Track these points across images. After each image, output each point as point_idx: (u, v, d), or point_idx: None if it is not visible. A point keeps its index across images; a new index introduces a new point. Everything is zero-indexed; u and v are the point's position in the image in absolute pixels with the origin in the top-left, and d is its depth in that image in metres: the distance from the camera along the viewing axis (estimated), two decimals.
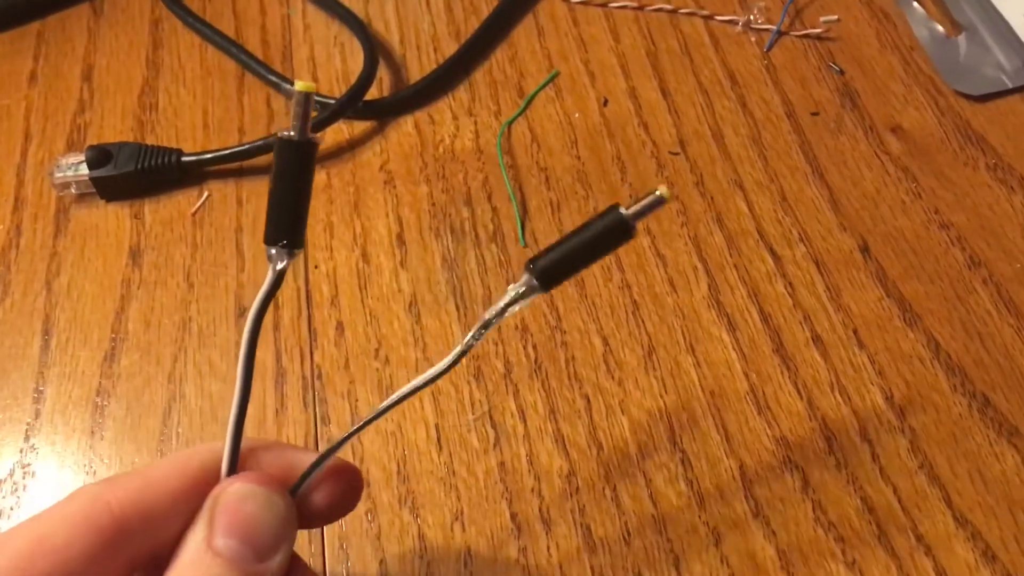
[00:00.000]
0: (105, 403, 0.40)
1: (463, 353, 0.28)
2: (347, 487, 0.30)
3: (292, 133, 0.26)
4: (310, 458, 0.29)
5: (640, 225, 0.43)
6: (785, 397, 0.38)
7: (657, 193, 0.26)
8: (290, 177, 0.27)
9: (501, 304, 0.27)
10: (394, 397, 0.28)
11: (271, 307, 0.42)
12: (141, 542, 0.27)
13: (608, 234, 0.27)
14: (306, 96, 0.26)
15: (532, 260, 0.27)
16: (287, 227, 0.27)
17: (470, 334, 0.28)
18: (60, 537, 0.26)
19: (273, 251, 0.27)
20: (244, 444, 0.29)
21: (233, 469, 0.28)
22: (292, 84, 0.49)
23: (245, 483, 0.27)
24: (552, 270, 0.27)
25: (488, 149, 0.47)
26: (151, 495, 0.27)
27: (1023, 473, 0.35)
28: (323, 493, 0.29)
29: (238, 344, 0.41)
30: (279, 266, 0.27)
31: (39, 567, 0.25)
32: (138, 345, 0.42)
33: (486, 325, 0.27)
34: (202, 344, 0.42)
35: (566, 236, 0.27)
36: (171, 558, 0.27)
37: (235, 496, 0.27)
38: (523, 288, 0.27)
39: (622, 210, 0.26)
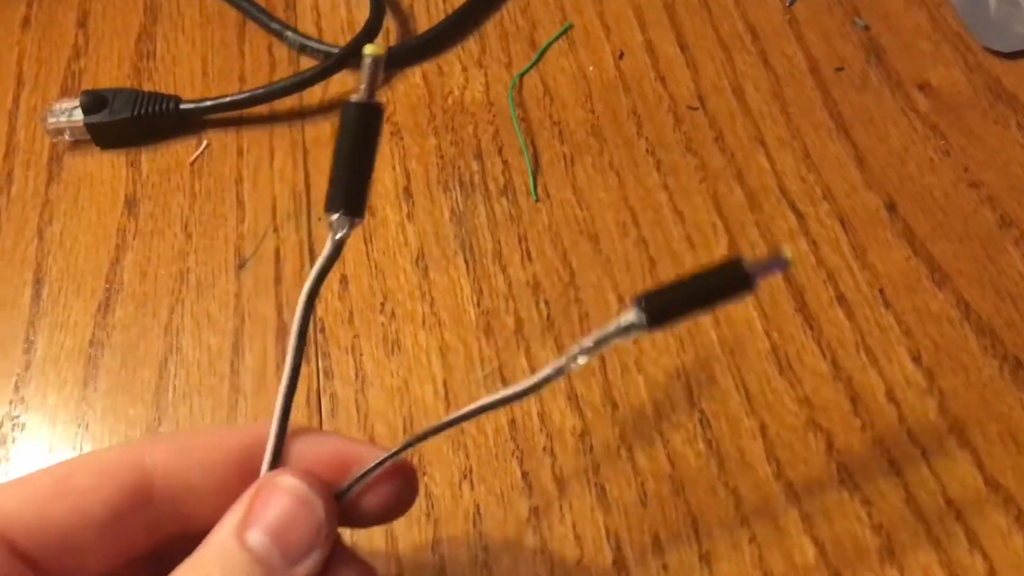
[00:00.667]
0: (99, 354, 0.38)
1: (552, 378, 0.25)
2: (403, 488, 0.27)
3: (360, 96, 0.25)
4: (359, 449, 0.27)
5: (657, 181, 0.42)
6: (808, 357, 0.36)
7: (783, 255, 0.24)
8: (356, 142, 0.26)
9: (604, 333, 0.25)
10: (471, 408, 0.26)
11: (273, 259, 0.41)
12: (167, 511, 0.26)
13: (727, 286, 0.24)
14: (375, 60, 0.25)
15: (643, 296, 0.24)
16: (350, 194, 0.26)
17: (567, 358, 0.25)
18: (85, 480, 0.25)
19: (334, 219, 0.26)
20: (290, 429, 0.27)
21: (277, 457, 0.26)
22: (295, 32, 0.48)
23: (291, 478, 0.25)
24: (662, 310, 0.24)
25: (499, 101, 0.45)
26: (187, 461, 0.26)
27: None
28: (377, 495, 0.27)
29: (237, 296, 0.40)
30: (339, 235, 0.26)
31: (58, 507, 0.24)
32: (133, 296, 0.40)
33: (585, 352, 0.25)
34: (200, 296, 0.40)
35: (682, 279, 0.25)
36: (199, 544, 0.26)
37: (276, 490, 0.25)
38: (631, 322, 0.24)
39: (745, 264, 0.24)
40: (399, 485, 0.27)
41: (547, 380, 0.25)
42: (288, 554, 0.25)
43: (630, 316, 0.24)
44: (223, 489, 0.26)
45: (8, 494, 0.25)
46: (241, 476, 0.26)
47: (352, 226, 0.26)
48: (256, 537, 0.24)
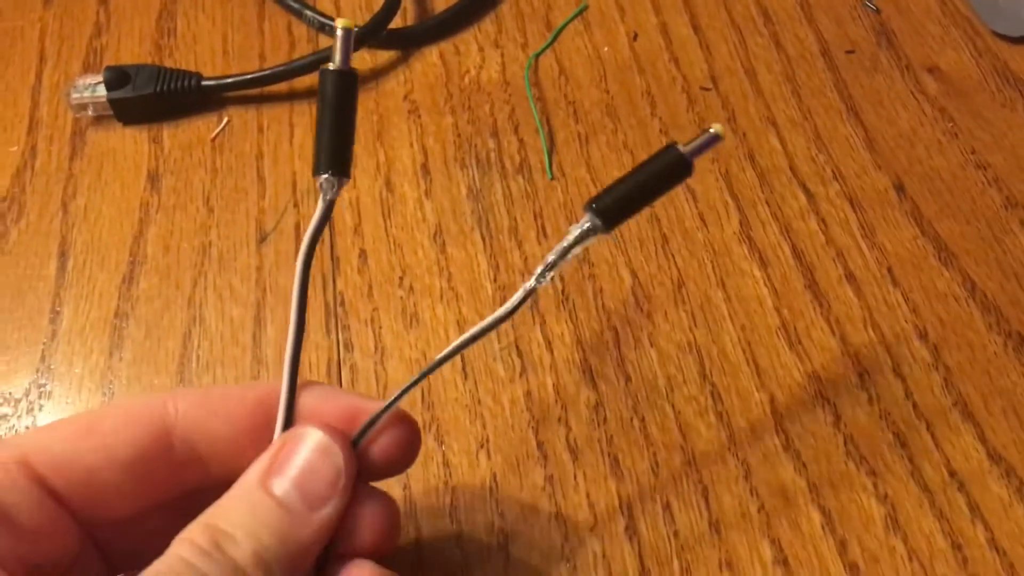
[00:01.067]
0: (124, 325, 0.39)
1: (527, 296, 0.27)
2: (406, 440, 0.29)
3: (334, 64, 0.27)
4: (369, 404, 0.29)
5: None
6: (817, 333, 0.37)
7: (712, 130, 0.27)
8: (333, 107, 0.28)
9: (564, 244, 0.27)
10: (455, 344, 0.28)
11: (293, 234, 0.42)
12: (187, 458, 0.27)
13: (667, 172, 0.27)
14: (346, 32, 0.27)
15: (593, 200, 0.27)
16: (333, 157, 0.28)
17: (534, 277, 0.27)
18: (111, 423, 0.26)
19: (322, 181, 0.28)
20: (300, 385, 0.28)
21: (290, 410, 0.28)
22: (313, 11, 0.48)
23: (314, 429, 0.27)
24: (614, 209, 0.27)
25: (515, 81, 0.46)
26: (207, 412, 0.28)
27: None
28: (381, 446, 0.29)
29: (259, 269, 0.40)
30: (329, 196, 0.28)
31: (86, 446, 0.26)
32: (157, 268, 0.41)
33: (550, 267, 0.27)
34: (222, 269, 0.41)
35: (625, 175, 0.27)
36: (215, 496, 0.27)
37: (297, 440, 0.27)
38: (586, 226, 0.27)
39: (680, 147, 0.27)
40: (403, 434, 0.29)
41: (523, 299, 0.27)
42: (309, 501, 0.26)
43: (586, 222, 0.27)
44: (240, 439, 0.28)
45: (39, 434, 0.26)
46: (257, 428, 0.28)
47: (340, 186, 0.28)
48: (280, 484, 0.26)
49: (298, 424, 0.28)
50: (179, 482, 0.28)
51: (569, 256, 0.27)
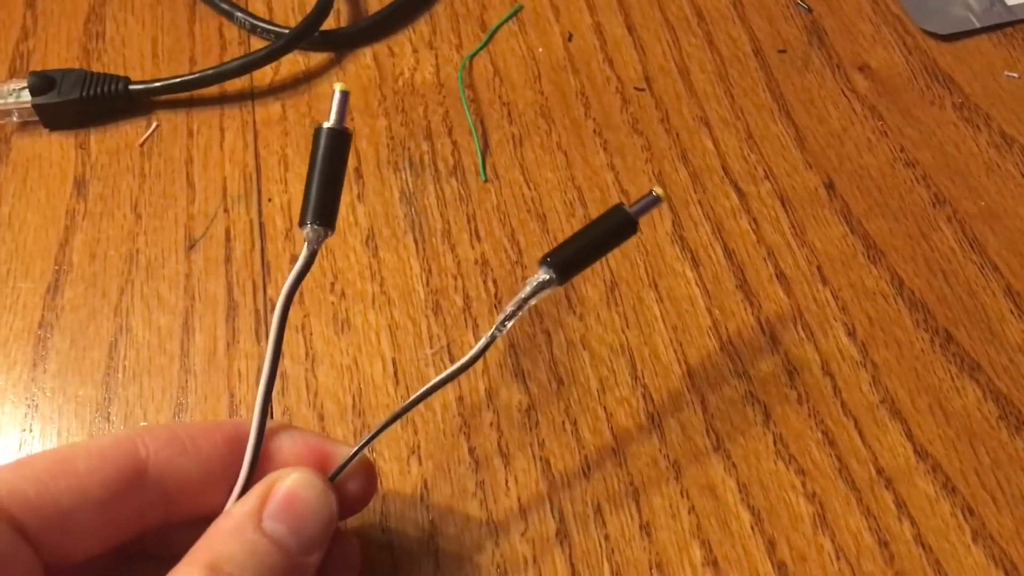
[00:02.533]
0: (48, 335, 0.39)
1: (487, 346, 0.30)
2: (370, 480, 0.30)
3: (330, 123, 0.29)
4: (334, 446, 0.29)
5: (603, 161, 0.42)
6: (748, 332, 0.37)
7: (654, 193, 0.31)
8: (325, 162, 0.29)
9: (521, 296, 0.30)
10: (421, 392, 0.30)
11: (223, 240, 0.41)
12: (155, 497, 0.27)
13: (615, 230, 0.31)
14: (343, 94, 0.30)
15: (548, 255, 0.30)
16: (322, 208, 0.29)
17: (494, 327, 0.30)
18: (83, 463, 0.26)
19: (308, 231, 0.29)
20: (268, 426, 0.29)
21: (258, 451, 0.28)
22: (245, 13, 0.48)
23: (305, 473, 0.27)
24: (567, 264, 0.30)
25: (449, 83, 0.46)
26: (179, 450, 0.27)
27: (984, 407, 0.35)
28: (353, 487, 0.29)
29: (187, 276, 0.40)
30: (313, 246, 0.29)
31: (59, 486, 0.25)
32: (83, 277, 0.40)
33: (509, 317, 0.30)
34: (150, 276, 0.40)
35: (576, 233, 0.31)
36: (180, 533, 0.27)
37: (294, 483, 0.27)
38: (543, 279, 0.30)
39: (627, 208, 0.31)
40: (367, 477, 0.30)
41: (483, 349, 0.29)
42: (305, 545, 0.26)
43: (542, 276, 0.30)
44: (209, 478, 0.27)
45: (11, 472, 0.26)
46: (226, 467, 0.28)
47: (324, 236, 0.29)
48: (277, 527, 0.26)
49: (275, 465, 0.28)
50: (143, 520, 0.27)
51: (526, 307, 0.30)
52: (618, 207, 0.31)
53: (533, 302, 0.30)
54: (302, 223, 0.29)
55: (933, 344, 0.37)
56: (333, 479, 0.29)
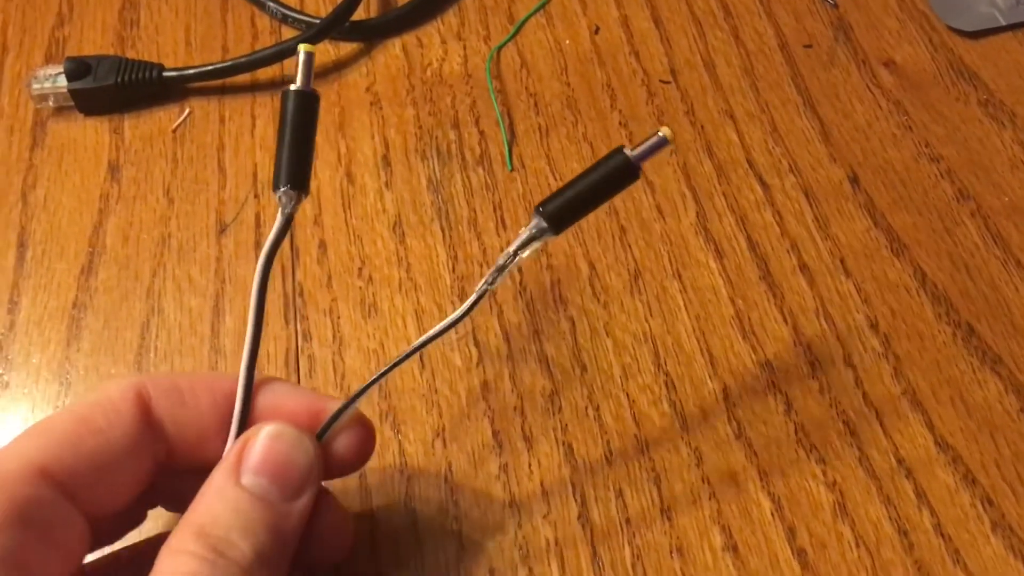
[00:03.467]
0: (82, 315, 0.39)
1: (479, 298, 0.29)
2: (363, 440, 0.30)
3: (296, 85, 0.29)
4: (327, 402, 0.29)
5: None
6: (770, 323, 0.38)
7: (660, 134, 0.28)
8: (294, 126, 0.29)
9: (513, 247, 0.29)
10: (413, 345, 0.29)
11: (253, 225, 0.42)
12: (161, 445, 0.28)
13: (614, 176, 0.28)
14: (308, 55, 0.29)
15: (541, 204, 0.28)
16: (293, 172, 0.29)
17: (484, 280, 0.29)
18: (102, 418, 0.27)
19: (281, 195, 0.29)
20: (259, 380, 0.29)
21: (246, 410, 0.29)
22: (276, 2, 0.48)
23: (280, 424, 0.28)
24: (561, 212, 0.28)
25: (476, 74, 0.46)
26: (178, 399, 0.28)
27: (1005, 400, 0.35)
28: (340, 445, 0.29)
29: (218, 260, 0.40)
30: (288, 210, 0.29)
31: (87, 446, 0.26)
32: (116, 259, 0.41)
33: (500, 269, 0.29)
34: (181, 260, 0.41)
35: (573, 180, 0.29)
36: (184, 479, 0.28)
37: (267, 435, 0.27)
38: (534, 231, 0.29)
39: (627, 151, 0.28)
40: (361, 434, 0.30)
41: (477, 300, 0.29)
42: (286, 492, 0.26)
43: (534, 225, 0.28)
44: (206, 430, 0.28)
45: (41, 437, 0.26)
46: (223, 420, 0.28)
47: (298, 200, 0.29)
48: (252, 480, 0.26)
49: (262, 421, 0.28)
50: (157, 467, 0.28)
51: (518, 259, 0.29)
52: (618, 150, 0.28)
53: (526, 254, 0.29)
54: (275, 187, 0.29)
55: (955, 337, 0.37)
56: (321, 437, 0.29)
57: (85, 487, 0.26)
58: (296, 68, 0.29)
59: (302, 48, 0.29)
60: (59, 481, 0.25)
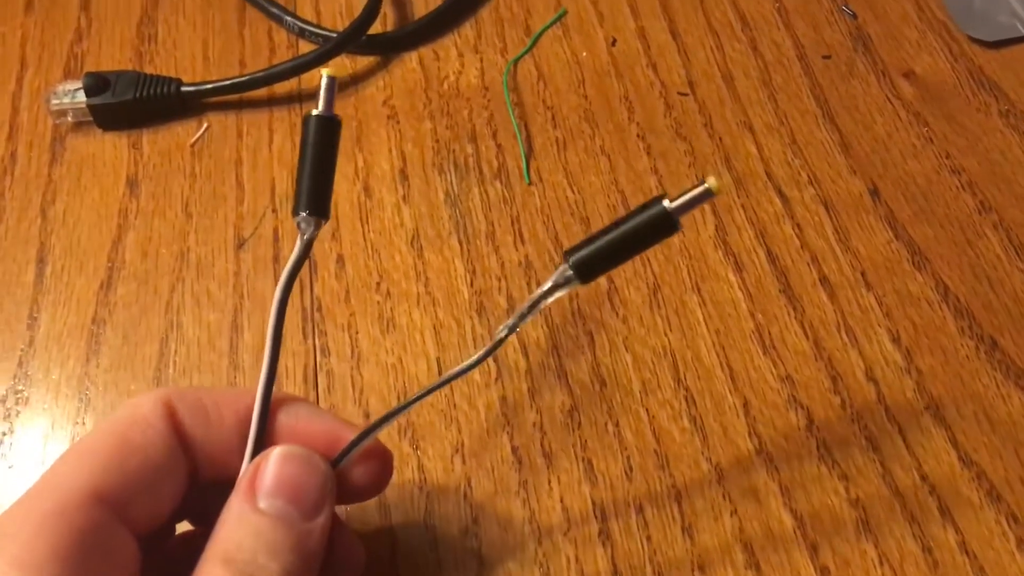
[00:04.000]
0: (101, 331, 0.39)
1: (498, 345, 0.28)
2: (381, 468, 0.30)
3: (318, 110, 0.29)
4: (347, 428, 0.29)
5: (647, 165, 0.43)
6: (791, 337, 0.37)
7: (705, 186, 0.25)
8: (315, 150, 0.29)
9: (537, 295, 0.28)
10: (431, 386, 0.29)
11: (271, 239, 0.42)
12: (194, 455, 0.28)
13: (651, 227, 0.26)
14: (330, 80, 0.29)
15: (570, 251, 0.27)
16: (313, 197, 0.29)
17: (505, 325, 0.28)
18: (139, 436, 0.27)
19: (300, 221, 0.28)
20: (280, 400, 0.29)
21: (262, 431, 0.28)
22: (294, 16, 0.48)
23: (291, 446, 0.27)
24: (591, 262, 0.27)
25: (493, 87, 0.46)
26: (203, 417, 0.28)
27: None
28: (359, 471, 0.29)
29: (236, 275, 0.41)
30: (307, 235, 0.29)
31: (131, 465, 0.26)
32: (135, 274, 0.41)
33: (523, 316, 0.28)
34: (200, 275, 0.41)
35: (606, 227, 0.27)
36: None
37: (277, 457, 0.27)
38: (560, 280, 0.27)
39: (666, 203, 0.26)
40: (379, 464, 0.30)
41: (494, 348, 0.28)
42: (304, 510, 0.26)
43: (562, 274, 0.27)
44: (231, 448, 0.28)
45: (86, 460, 0.26)
46: (245, 438, 0.28)
47: (318, 226, 0.29)
48: (268, 503, 0.26)
49: (278, 444, 0.28)
50: (186, 485, 0.28)
51: (540, 307, 0.28)
52: (657, 200, 0.26)
53: (550, 301, 0.28)
54: (295, 212, 0.29)
55: (978, 351, 0.37)
56: (336, 464, 0.28)
57: (133, 507, 0.26)
58: (318, 92, 0.29)
59: (324, 72, 0.29)
60: (111, 503, 0.25)
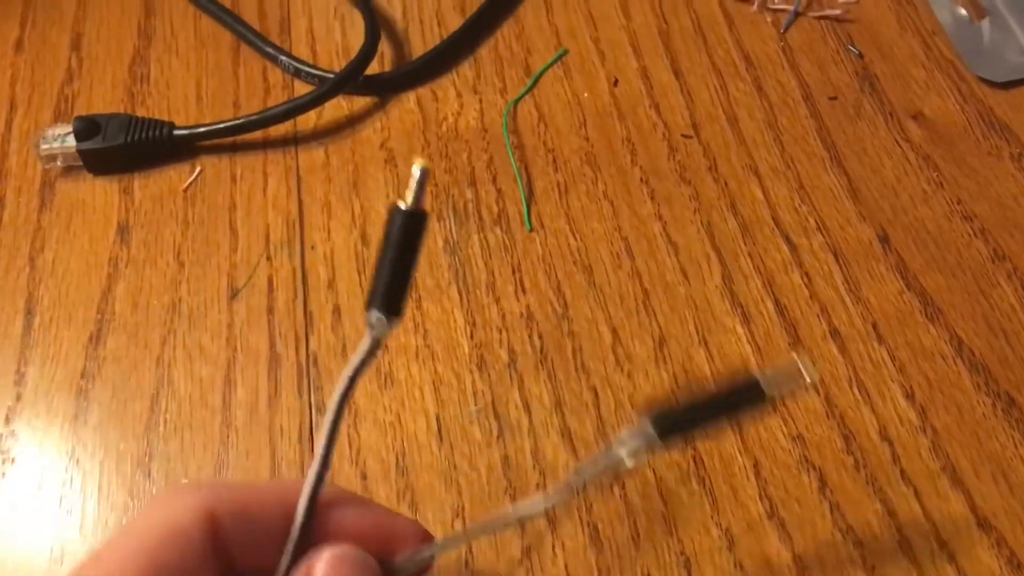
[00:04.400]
0: (90, 386, 0.38)
1: (576, 492, 0.27)
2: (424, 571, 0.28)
3: (406, 204, 0.26)
4: (397, 521, 0.28)
5: (651, 210, 0.42)
6: (802, 393, 0.36)
7: (807, 379, 0.25)
8: (398, 247, 0.26)
9: (608, 458, 0.25)
10: (490, 526, 0.28)
11: (266, 289, 0.41)
12: (230, 559, 0.26)
13: (744, 406, 0.25)
14: (424, 173, 0.26)
15: (654, 412, 0.25)
16: (390, 296, 0.26)
17: (568, 484, 0.26)
18: (176, 555, 0.24)
19: (373, 317, 0.26)
20: (325, 492, 0.27)
21: (305, 535, 0.27)
22: (289, 56, 0.47)
23: (338, 547, 0.26)
24: (675, 429, 0.25)
25: (493, 128, 0.45)
26: (246, 520, 0.26)
27: None
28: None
29: (230, 327, 0.39)
30: (376, 334, 0.26)
31: (171, 555, 0.24)
32: (125, 327, 0.40)
33: (595, 473, 0.26)
34: (192, 327, 0.40)
35: (696, 398, 0.26)
36: None
37: (330, 560, 0.25)
38: (641, 439, 0.25)
39: (761, 382, 0.25)
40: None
41: (567, 495, 0.26)
42: None
43: (644, 431, 0.25)
44: (275, 543, 0.26)
45: (128, 565, 0.24)
46: (286, 532, 0.26)
47: (391, 327, 0.26)
48: None
49: (330, 540, 0.27)
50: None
51: (616, 467, 0.26)
52: (755, 384, 0.25)
53: (630, 465, 0.25)
54: (368, 307, 0.26)
55: (995, 408, 0.35)
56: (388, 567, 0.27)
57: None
58: (408, 184, 0.26)
59: (418, 165, 0.26)
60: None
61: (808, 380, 0.25)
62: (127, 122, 0.45)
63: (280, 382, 0.38)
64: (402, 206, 0.26)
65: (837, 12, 0.48)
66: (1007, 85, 0.45)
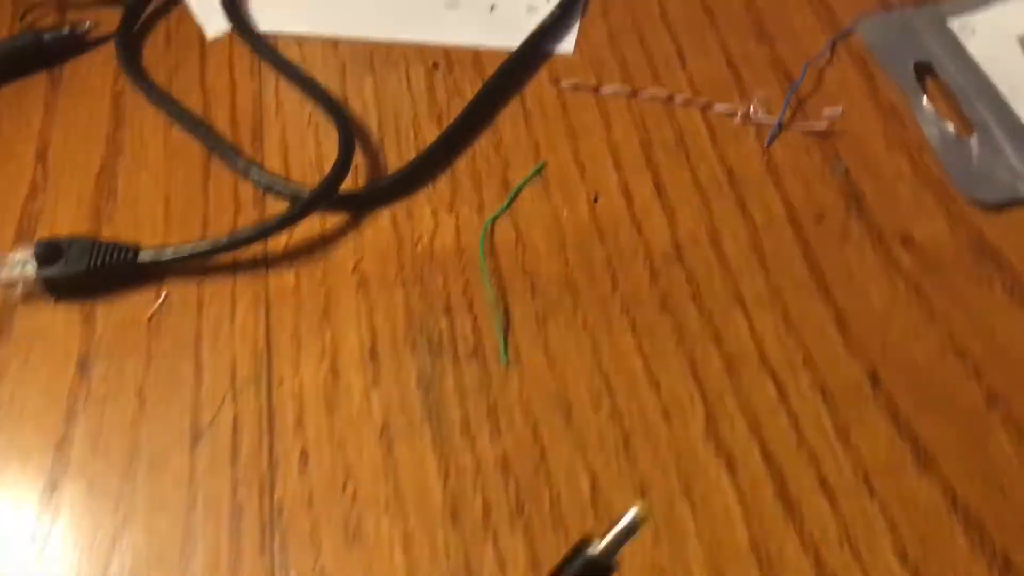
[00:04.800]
0: (44, 547, 0.36)
1: None
2: None
3: (595, 550, 0.24)
4: None
5: (632, 343, 0.40)
6: (790, 552, 0.35)
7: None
8: None
9: None
10: None
11: (230, 431, 0.39)
12: None
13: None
14: (638, 523, 0.24)
15: None
16: None
17: None
18: None
19: None
20: None
21: None
22: (260, 170, 0.46)
23: None
24: None
25: (470, 250, 0.44)
26: None
27: None
28: None
29: (191, 476, 0.38)
30: None
31: None
32: (83, 473, 0.38)
33: None
34: (152, 473, 0.38)
35: None
36: None
37: None
38: None
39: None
40: None
41: None
42: None
43: None
44: None
45: None
46: None
47: None
48: None
49: None
50: None
51: None
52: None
53: None
54: None
55: (991, 570, 0.34)
56: None
57: None
58: (614, 528, 0.24)
59: (640, 507, 0.23)
60: None
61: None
62: (90, 247, 0.43)
63: (242, 537, 0.36)
64: (591, 552, 0.23)
65: (822, 126, 0.47)
66: (997, 206, 0.43)
